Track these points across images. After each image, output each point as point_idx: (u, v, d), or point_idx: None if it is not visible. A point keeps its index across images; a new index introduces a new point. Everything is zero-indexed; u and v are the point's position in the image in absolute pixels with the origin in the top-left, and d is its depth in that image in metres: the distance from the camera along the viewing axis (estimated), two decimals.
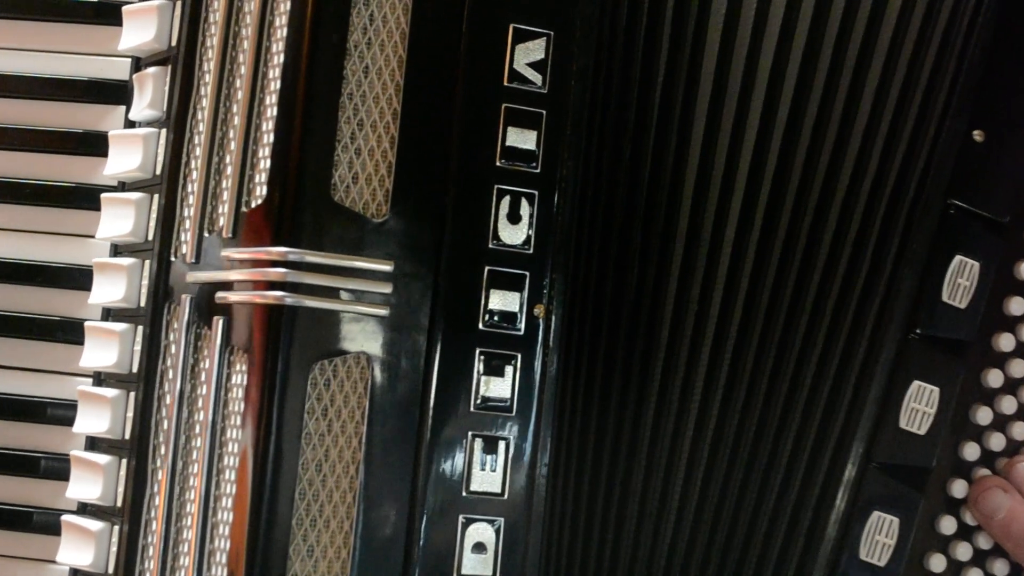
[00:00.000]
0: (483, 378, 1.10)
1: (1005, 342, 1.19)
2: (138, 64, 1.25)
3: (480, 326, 1.10)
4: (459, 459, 1.09)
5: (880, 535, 1.16)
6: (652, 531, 1.16)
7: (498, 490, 1.10)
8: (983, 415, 1.19)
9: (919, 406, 1.17)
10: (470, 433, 1.09)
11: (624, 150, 1.14)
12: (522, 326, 1.11)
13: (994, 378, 1.19)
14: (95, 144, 1.27)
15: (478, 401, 1.10)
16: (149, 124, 1.23)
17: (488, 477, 1.10)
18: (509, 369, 1.10)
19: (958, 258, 1.17)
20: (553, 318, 1.11)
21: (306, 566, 1.07)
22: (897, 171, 1.16)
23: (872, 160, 1.16)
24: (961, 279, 1.17)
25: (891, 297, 1.15)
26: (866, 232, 1.16)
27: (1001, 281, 1.18)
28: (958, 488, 1.19)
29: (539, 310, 1.11)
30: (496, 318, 1.10)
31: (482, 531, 1.10)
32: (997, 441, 1.19)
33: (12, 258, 1.28)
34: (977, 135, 1.17)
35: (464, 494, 1.09)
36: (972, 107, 1.17)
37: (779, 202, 1.16)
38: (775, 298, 1.15)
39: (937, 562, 1.19)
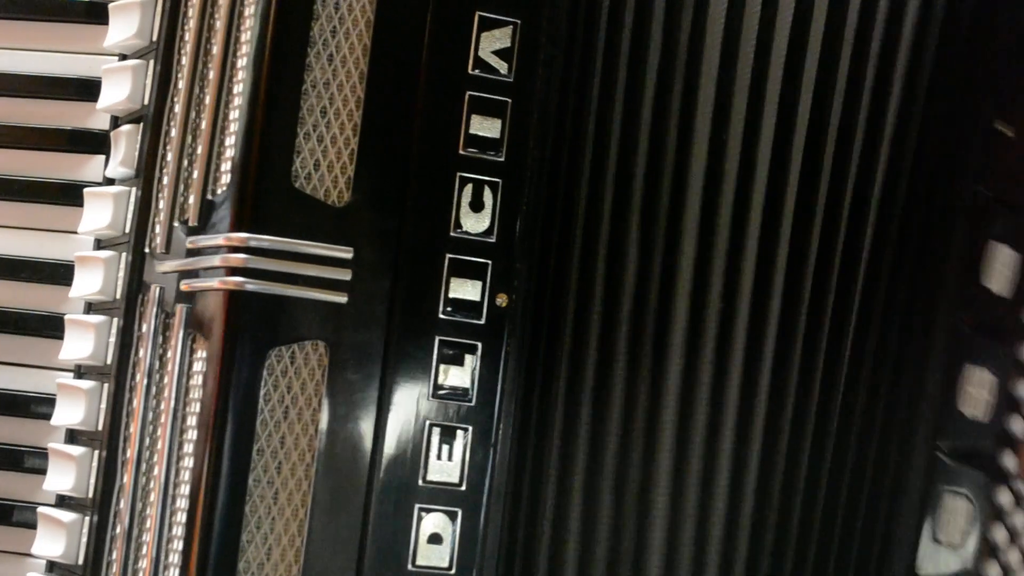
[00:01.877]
0: (442, 367, 1.09)
1: None
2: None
3: (440, 315, 1.09)
4: (415, 449, 1.08)
5: (953, 517, 1.15)
6: (613, 522, 1.14)
7: (456, 480, 1.08)
8: None
9: (974, 390, 1.16)
10: (427, 423, 1.08)
11: (589, 139, 1.13)
12: (484, 315, 1.09)
13: None
14: (84, 141, 1.28)
15: (436, 390, 1.08)
16: (128, 120, 1.24)
17: (445, 467, 1.08)
18: (470, 359, 1.09)
19: (992, 243, 1.16)
20: (517, 307, 1.10)
21: (259, 553, 1.06)
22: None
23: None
24: (999, 265, 1.16)
25: (937, 294, 1.16)
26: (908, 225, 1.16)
27: None
28: (1010, 461, 1.18)
29: (502, 299, 1.10)
30: (457, 307, 1.09)
31: (438, 522, 1.08)
32: None
33: (1, 254, 1.29)
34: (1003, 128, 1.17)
35: (420, 484, 1.08)
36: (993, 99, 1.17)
37: (747, 194, 1.15)
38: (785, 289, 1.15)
39: (999, 534, 1.18)
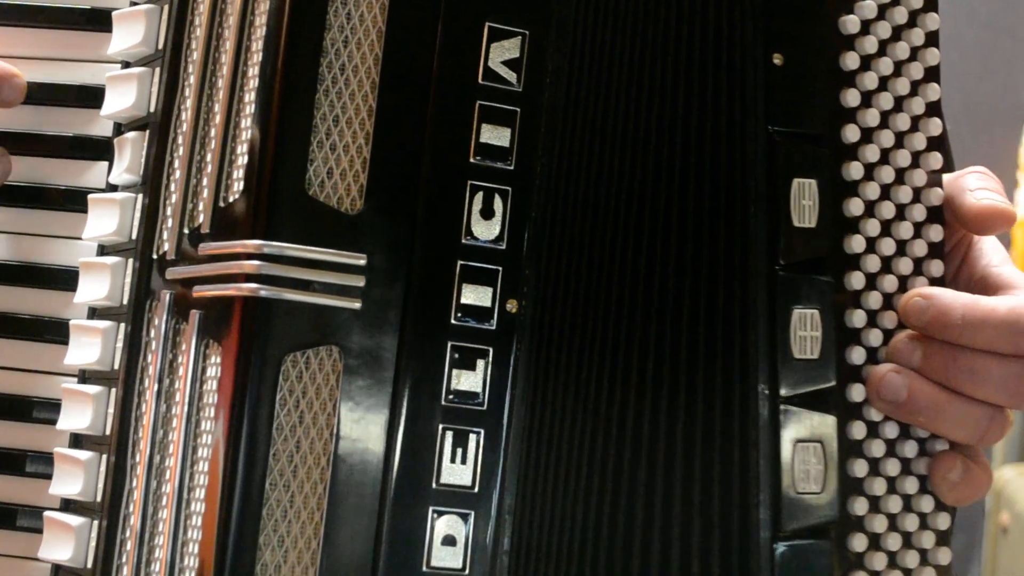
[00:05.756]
0: (455, 371, 1.11)
1: (856, 243, 1.21)
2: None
3: (452, 320, 1.11)
4: (428, 452, 1.10)
5: (808, 464, 1.18)
6: (624, 522, 1.16)
7: (468, 483, 1.11)
8: (858, 318, 1.21)
9: (806, 332, 1.18)
10: (440, 426, 1.10)
11: (596, 148, 1.15)
12: (495, 321, 1.12)
13: (857, 280, 1.21)
14: (85, 148, 1.29)
15: (449, 395, 1.10)
16: (132, 127, 1.25)
17: (458, 470, 1.10)
18: (481, 363, 1.11)
19: (796, 181, 1.19)
20: (527, 313, 1.12)
21: (276, 556, 1.08)
22: (726, 113, 1.18)
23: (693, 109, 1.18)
24: (805, 200, 1.19)
25: (748, 237, 1.18)
26: (707, 181, 1.18)
27: (838, 187, 1.21)
28: (856, 392, 1.20)
29: (512, 305, 1.12)
30: (468, 313, 1.11)
31: (452, 524, 1.10)
32: (875, 337, 1.21)
33: (3, 259, 1.30)
34: (777, 59, 1.20)
35: (434, 486, 1.10)
36: (765, 31, 1.20)
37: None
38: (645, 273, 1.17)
39: (859, 467, 1.20)
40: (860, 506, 1.21)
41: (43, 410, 1.28)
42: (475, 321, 1.11)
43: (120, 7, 1.28)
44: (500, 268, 1.12)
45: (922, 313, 1.20)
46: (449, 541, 1.10)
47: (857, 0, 1.23)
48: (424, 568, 1.09)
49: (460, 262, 1.11)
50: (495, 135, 1.12)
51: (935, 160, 1.25)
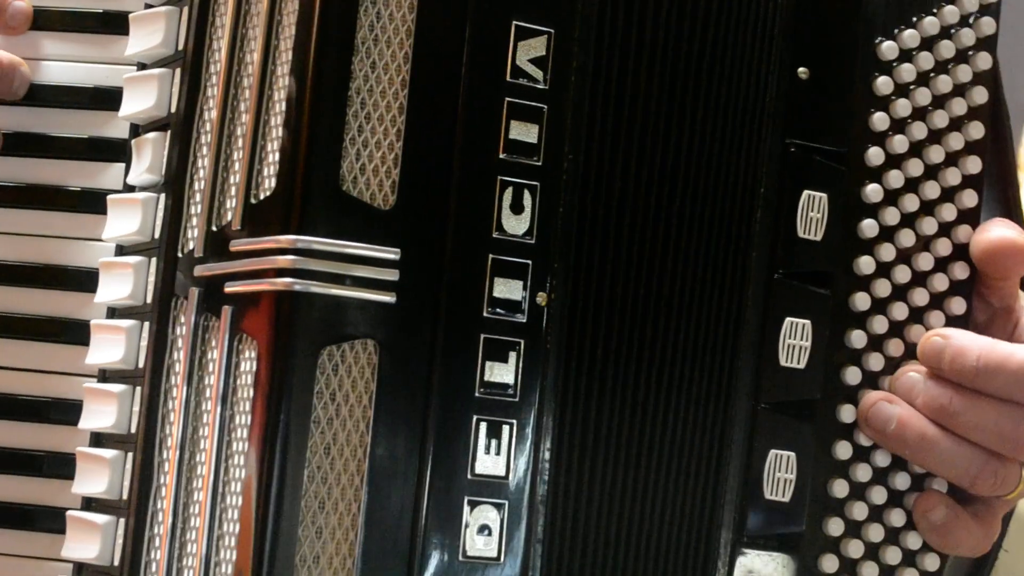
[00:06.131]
0: (487, 364, 1.12)
1: (866, 264, 1.23)
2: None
3: (484, 313, 1.13)
4: (464, 443, 1.11)
5: (780, 472, 1.19)
6: (650, 511, 1.18)
7: (502, 473, 1.12)
8: (858, 338, 1.22)
9: (795, 341, 1.20)
10: (475, 417, 1.12)
11: (622, 145, 1.18)
12: (525, 313, 1.14)
13: (861, 301, 1.22)
14: (102, 149, 1.30)
15: (482, 386, 1.12)
16: (152, 128, 1.26)
17: (492, 460, 1.12)
18: (513, 355, 1.13)
19: (806, 193, 1.21)
20: (556, 305, 1.14)
21: (315, 547, 1.09)
22: (741, 121, 1.20)
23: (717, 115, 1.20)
24: (813, 213, 1.21)
25: (751, 242, 1.20)
26: (720, 182, 1.20)
27: (852, 207, 1.23)
28: (847, 413, 1.22)
29: (542, 298, 1.14)
30: (500, 305, 1.13)
31: (487, 513, 1.12)
32: (876, 361, 1.22)
33: (19, 261, 1.30)
34: (802, 72, 1.22)
35: (469, 477, 1.11)
36: (794, 44, 1.22)
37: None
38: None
39: (839, 487, 1.21)
40: (835, 527, 1.21)
41: (60, 411, 1.29)
42: (506, 314, 1.13)
43: (133, 10, 1.29)
44: (530, 262, 1.14)
45: (939, 353, 1.19)
46: (484, 530, 1.12)
47: (899, 27, 1.25)
48: (460, 558, 1.11)
49: (491, 256, 1.13)
50: (523, 131, 1.14)
51: (969, 198, 1.25)
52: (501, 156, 1.14)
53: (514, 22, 1.14)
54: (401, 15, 1.13)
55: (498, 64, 1.14)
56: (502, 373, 1.13)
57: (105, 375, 1.26)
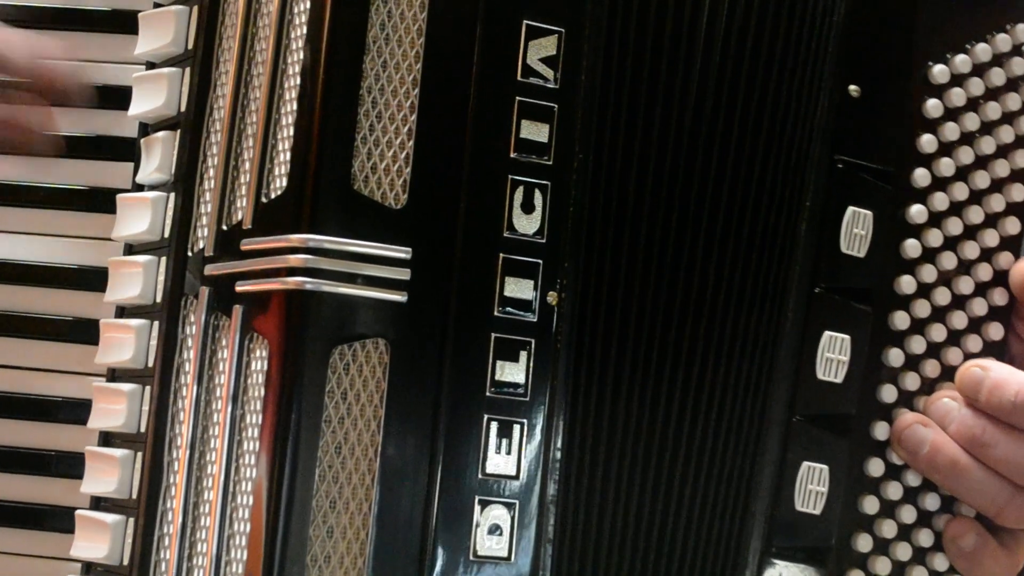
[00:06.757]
0: (498, 363, 1.12)
1: (907, 284, 1.23)
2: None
3: (495, 312, 1.13)
4: (474, 442, 1.11)
5: (813, 484, 1.20)
6: (661, 512, 1.18)
7: (513, 472, 1.12)
8: (895, 357, 1.22)
9: (833, 355, 1.21)
10: (485, 416, 1.12)
11: (633, 144, 1.18)
12: (536, 313, 1.13)
13: (901, 320, 1.23)
14: (110, 148, 1.30)
15: (493, 386, 1.12)
16: (161, 127, 1.26)
17: (503, 460, 1.12)
18: (523, 354, 1.13)
19: (851, 209, 1.21)
20: (566, 305, 1.14)
21: (326, 547, 1.09)
22: (790, 134, 1.20)
23: (764, 127, 1.20)
24: (857, 229, 1.21)
25: (794, 256, 1.20)
26: (765, 198, 1.20)
27: (897, 226, 1.23)
28: (881, 430, 1.22)
29: (552, 297, 1.14)
30: (510, 305, 1.13)
31: (498, 513, 1.12)
32: (912, 381, 1.23)
33: (27, 260, 1.30)
34: (853, 90, 1.22)
35: (480, 476, 1.11)
36: (846, 61, 1.22)
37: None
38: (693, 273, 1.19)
39: (870, 504, 1.22)
40: (864, 543, 1.21)
41: (69, 410, 1.29)
42: (517, 313, 1.13)
43: (141, 9, 1.29)
44: (541, 261, 1.14)
45: (978, 384, 1.20)
46: (494, 530, 1.12)
47: (952, 52, 1.25)
48: (471, 557, 1.11)
49: (502, 255, 1.13)
50: (534, 131, 1.14)
51: (1012, 225, 1.26)
52: (512, 155, 1.14)
53: (525, 21, 1.14)
54: (412, 14, 1.13)
55: (509, 63, 1.14)
56: (513, 372, 1.13)
57: (114, 374, 1.26)
